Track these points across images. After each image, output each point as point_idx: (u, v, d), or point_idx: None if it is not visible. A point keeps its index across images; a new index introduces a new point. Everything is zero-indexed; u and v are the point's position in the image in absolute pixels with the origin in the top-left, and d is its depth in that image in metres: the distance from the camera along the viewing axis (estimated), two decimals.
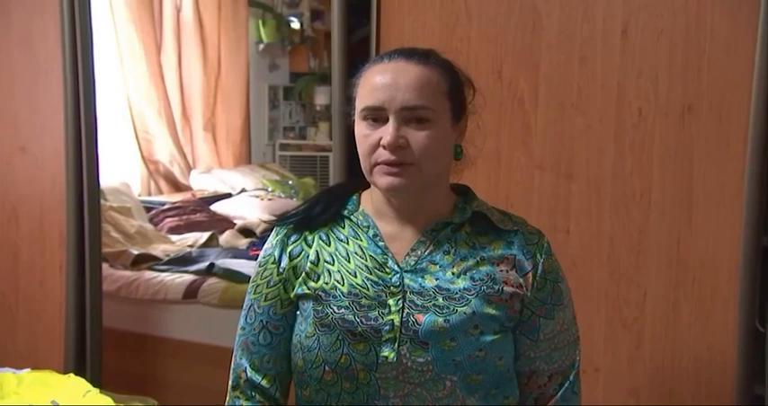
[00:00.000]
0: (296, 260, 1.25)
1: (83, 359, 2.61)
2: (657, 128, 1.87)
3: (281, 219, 1.30)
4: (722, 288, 1.83)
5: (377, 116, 1.18)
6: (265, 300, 1.26)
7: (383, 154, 1.17)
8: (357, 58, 2.19)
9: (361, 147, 1.20)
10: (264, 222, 3.93)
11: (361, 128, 1.20)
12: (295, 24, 5.44)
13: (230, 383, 1.28)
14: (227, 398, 1.29)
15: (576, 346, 1.27)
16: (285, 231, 1.28)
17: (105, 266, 3.01)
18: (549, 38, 1.96)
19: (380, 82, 1.18)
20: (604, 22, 1.90)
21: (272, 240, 1.28)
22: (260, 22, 5.27)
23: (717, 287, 1.84)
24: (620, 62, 1.89)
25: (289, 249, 1.26)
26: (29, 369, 2.30)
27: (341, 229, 1.26)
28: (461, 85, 1.23)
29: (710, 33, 1.81)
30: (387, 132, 1.16)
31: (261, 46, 5.31)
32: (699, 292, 1.86)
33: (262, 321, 1.26)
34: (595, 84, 1.92)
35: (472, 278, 1.19)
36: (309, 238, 1.26)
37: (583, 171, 1.95)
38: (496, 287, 1.19)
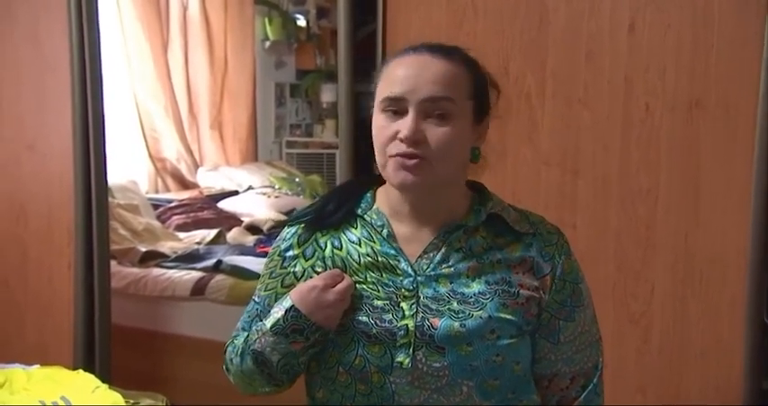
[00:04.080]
0: (311, 261, 1.23)
1: (92, 356, 2.62)
2: (664, 123, 1.87)
3: (292, 219, 1.28)
4: (730, 283, 1.83)
5: (397, 107, 1.14)
6: (265, 290, 1.26)
7: (399, 147, 1.13)
8: (363, 55, 2.19)
9: (377, 139, 1.17)
10: (276, 222, 3.94)
11: (379, 120, 1.17)
12: (301, 22, 5.44)
13: (225, 352, 1.28)
14: (227, 363, 1.27)
15: (598, 346, 1.24)
16: (295, 229, 1.26)
17: (113, 263, 3.03)
18: (555, 33, 1.95)
19: (403, 73, 1.15)
20: (611, 18, 1.90)
21: (283, 235, 1.27)
22: (266, 20, 5.27)
23: (724, 282, 1.83)
24: (627, 57, 1.89)
25: (301, 248, 1.25)
26: (38, 365, 2.31)
27: (353, 230, 1.23)
28: (485, 86, 1.20)
29: (718, 28, 1.81)
30: (405, 125, 1.13)
31: (267, 43, 5.31)
32: (706, 287, 1.85)
33: (257, 309, 1.25)
34: (602, 80, 1.92)
35: (487, 282, 1.17)
36: (321, 241, 1.23)
37: (589, 166, 1.95)
38: (512, 291, 1.17)
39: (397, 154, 1.14)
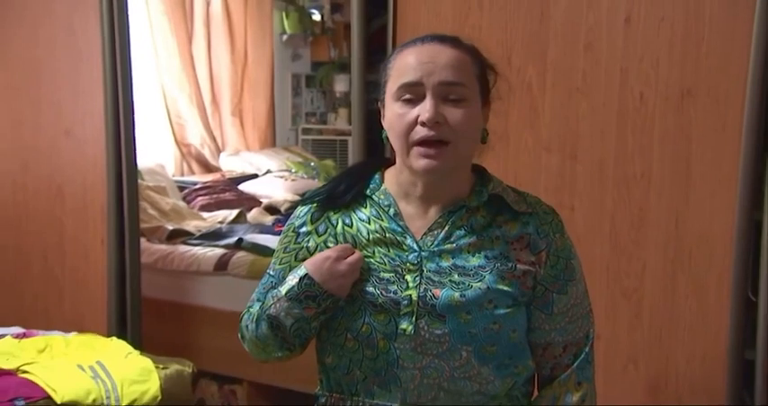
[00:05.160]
0: (323, 237, 1.23)
1: (124, 325, 2.64)
2: (658, 112, 1.85)
3: (306, 198, 1.27)
4: (717, 261, 1.82)
5: (413, 94, 1.13)
6: (279, 264, 1.26)
7: (421, 132, 1.12)
8: (375, 47, 2.18)
9: (397, 127, 1.14)
10: (291, 202, 3.93)
11: (395, 108, 1.15)
12: (316, 16, 5.41)
13: (241, 321, 1.28)
14: (243, 330, 1.27)
15: (589, 318, 1.25)
16: (309, 208, 1.25)
17: (143, 240, 3.03)
18: (555, 26, 1.93)
19: (417, 60, 1.14)
20: (608, 11, 1.88)
21: (297, 213, 1.27)
22: (284, 15, 5.24)
23: (712, 260, 1.83)
24: (623, 48, 1.87)
25: (314, 225, 1.24)
26: (75, 333, 2.34)
27: (363, 209, 1.22)
28: (486, 70, 1.20)
29: (709, 21, 1.78)
30: (425, 109, 1.11)
31: (284, 37, 5.29)
32: (695, 265, 1.84)
33: (272, 282, 1.25)
34: (599, 70, 1.90)
35: (486, 256, 1.17)
36: (333, 219, 1.23)
37: (587, 152, 1.94)
38: (509, 265, 1.17)
39: (421, 142, 1.12)
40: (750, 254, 1.78)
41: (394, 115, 1.15)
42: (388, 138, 1.19)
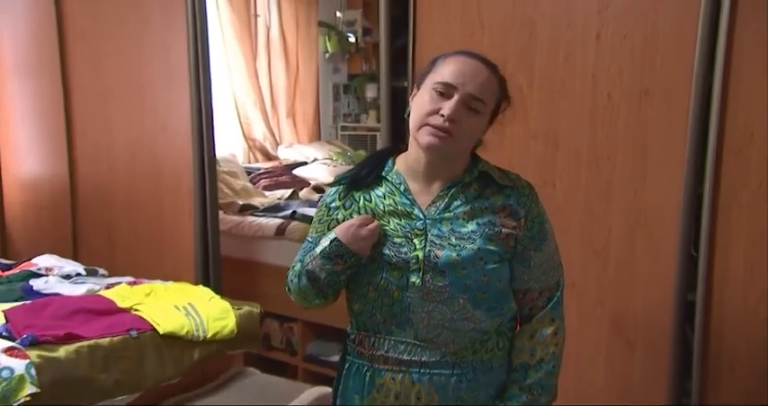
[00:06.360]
0: (349, 210, 1.24)
1: (207, 276, 2.70)
2: (622, 109, 1.85)
3: (336, 180, 1.28)
4: (667, 226, 1.82)
5: (446, 91, 1.13)
6: (315, 232, 1.27)
7: (437, 120, 1.12)
8: (397, 62, 2.18)
9: (420, 109, 1.14)
10: (327, 184, 3.96)
11: (425, 95, 1.14)
12: (351, 38, 5.39)
13: (287, 277, 1.29)
14: (290, 283, 1.27)
15: (559, 270, 1.25)
16: (338, 188, 1.25)
17: (220, 212, 3.08)
18: (541, 41, 1.93)
19: (460, 68, 1.14)
20: (583, 30, 1.87)
21: (328, 191, 1.28)
22: (326, 38, 5.24)
23: (663, 225, 1.83)
24: (594, 59, 1.86)
25: (342, 201, 1.24)
26: (172, 282, 2.41)
27: (380, 188, 1.23)
28: (503, 99, 1.21)
29: (662, 37, 1.77)
30: (449, 106, 1.12)
31: (327, 55, 5.28)
32: (650, 229, 1.85)
33: (310, 246, 1.26)
34: (575, 76, 1.90)
35: (477, 223, 1.17)
36: (356, 196, 1.23)
37: (566, 140, 1.94)
38: (496, 230, 1.18)
39: (435, 126, 1.13)
40: (693, 220, 1.78)
41: (422, 100, 1.15)
42: (409, 115, 1.19)
